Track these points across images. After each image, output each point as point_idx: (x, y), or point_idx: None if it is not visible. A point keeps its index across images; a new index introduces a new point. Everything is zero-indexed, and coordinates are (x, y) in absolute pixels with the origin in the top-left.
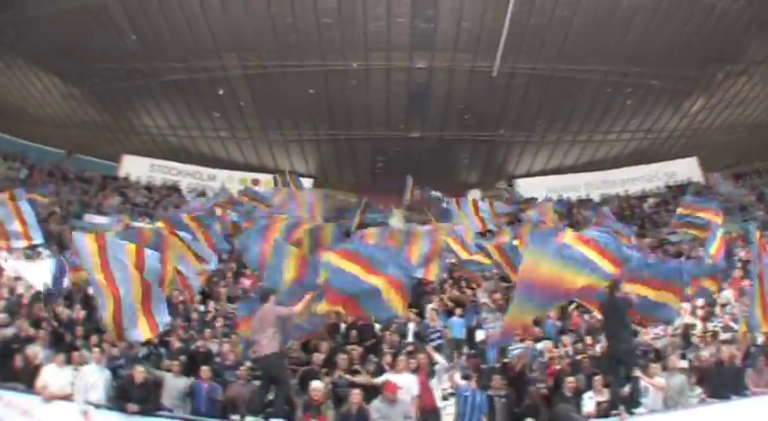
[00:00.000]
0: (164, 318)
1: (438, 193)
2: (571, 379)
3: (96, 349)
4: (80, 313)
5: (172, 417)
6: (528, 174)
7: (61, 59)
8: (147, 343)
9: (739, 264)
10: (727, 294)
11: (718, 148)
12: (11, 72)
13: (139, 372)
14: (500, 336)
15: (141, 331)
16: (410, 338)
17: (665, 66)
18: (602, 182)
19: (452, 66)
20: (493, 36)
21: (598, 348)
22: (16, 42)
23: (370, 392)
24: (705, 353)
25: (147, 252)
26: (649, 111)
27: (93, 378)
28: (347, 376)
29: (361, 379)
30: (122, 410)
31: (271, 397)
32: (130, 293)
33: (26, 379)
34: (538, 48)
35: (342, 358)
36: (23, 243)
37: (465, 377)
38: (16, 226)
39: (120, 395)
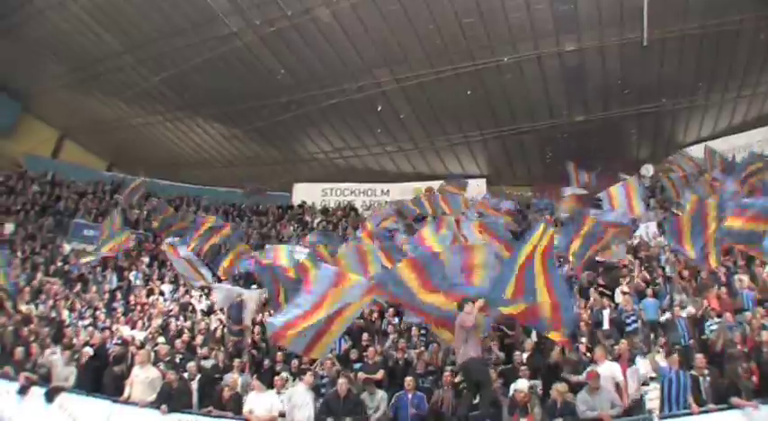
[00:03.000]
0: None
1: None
2: None
3: (309, 372)
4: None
5: None
6: (699, 140)
7: (217, 105)
8: (345, 359)
9: None
10: None
11: None
12: (173, 125)
13: (343, 384)
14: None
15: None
16: (606, 325)
17: None
18: None
19: (602, 43)
20: (635, 4)
21: None
22: (172, 97)
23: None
24: None
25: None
26: None
27: (302, 399)
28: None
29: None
30: None
31: (476, 401)
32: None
33: (233, 406)
34: (683, 7)
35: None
36: (201, 282)
37: (668, 354)
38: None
39: (326, 411)
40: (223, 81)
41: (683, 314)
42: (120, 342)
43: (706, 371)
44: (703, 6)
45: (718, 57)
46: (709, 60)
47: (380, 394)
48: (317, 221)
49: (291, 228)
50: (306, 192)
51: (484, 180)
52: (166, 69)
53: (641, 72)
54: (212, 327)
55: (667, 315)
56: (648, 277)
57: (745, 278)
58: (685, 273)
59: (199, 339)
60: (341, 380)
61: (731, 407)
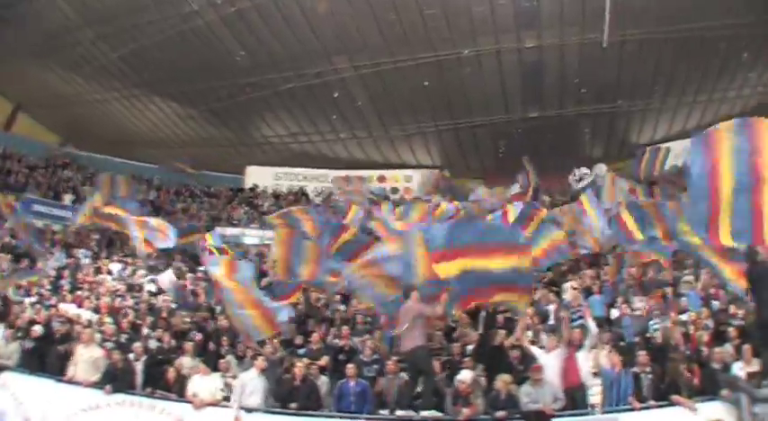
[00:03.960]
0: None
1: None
2: (718, 349)
3: (260, 357)
4: (224, 322)
5: (325, 416)
6: (652, 142)
7: (175, 84)
8: (289, 344)
9: None
10: None
11: None
12: (129, 102)
13: (300, 368)
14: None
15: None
16: (552, 320)
17: None
18: None
19: (561, 41)
20: (598, 6)
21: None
22: (130, 74)
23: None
24: None
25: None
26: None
27: (253, 384)
28: None
29: None
30: (281, 412)
31: (419, 389)
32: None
33: (177, 388)
34: (644, 11)
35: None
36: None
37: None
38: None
39: (281, 395)
40: (182, 60)
41: (631, 312)
42: (65, 320)
43: (648, 369)
44: (665, 12)
45: (677, 62)
46: (667, 65)
47: (323, 380)
48: (267, 205)
49: (242, 210)
50: (258, 176)
51: (437, 171)
52: (126, 45)
53: (599, 72)
54: (159, 308)
55: (615, 312)
56: (595, 274)
57: (691, 278)
58: (633, 271)
59: (146, 320)
60: (298, 365)
61: (671, 404)
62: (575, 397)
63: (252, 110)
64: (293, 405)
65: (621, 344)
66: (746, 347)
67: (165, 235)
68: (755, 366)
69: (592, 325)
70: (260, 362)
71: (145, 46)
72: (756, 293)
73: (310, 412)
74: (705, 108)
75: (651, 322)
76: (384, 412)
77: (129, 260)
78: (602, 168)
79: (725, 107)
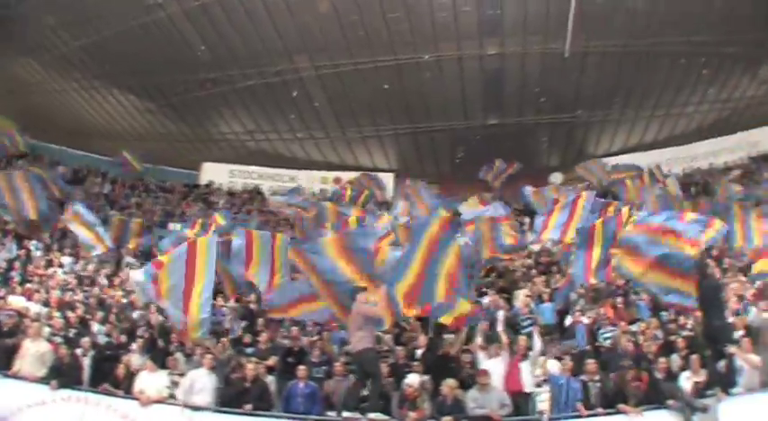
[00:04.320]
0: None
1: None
2: (663, 360)
3: (209, 355)
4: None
5: (273, 417)
6: (609, 154)
7: (135, 76)
8: (238, 343)
9: None
10: None
11: None
12: (87, 93)
13: (251, 369)
14: None
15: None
16: (500, 326)
17: (738, 32)
18: (684, 156)
19: (524, 50)
20: (561, 16)
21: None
22: (90, 64)
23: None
24: None
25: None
26: (726, 79)
27: (202, 382)
28: None
29: None
30: (229, 412)
31: (366, 392)
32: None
33: (126, 385)
34: (608, 24)
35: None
36: (100, 249)
37: (557, 358)
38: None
39: (233, 395)
40: (143, 52)
41: (584, 320)
42: (13, 313)
43: (596, 377)
44: (627, 25)
45: (637, 75)
46: (627, 77)
47: (270, 379)
48: (221, 202)
49: (197, 207)
50: (214, 172)
51: (392, 174)
52: (88, 35)
53: (560, 82)
54: (109, 303)
55: (569, 320)
56: (546, 282)
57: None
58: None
59: (96, 315)
60: (250, 366)
61: (618, 412)
62: (519, 404)
63: (210, 106)
64: (248, 406)
65: (573, 351)
66: (694, 358)
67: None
68: (702, 376)
69: (536, 336)
70: (208, 359)
71: (106, 36)
72: (705, 306)
73: (259, 412)
74: (663, 122)
75: (601, 331)
76: (332, 414)
77: (82, 253)
78: (557, 177)
79: (683, 122)
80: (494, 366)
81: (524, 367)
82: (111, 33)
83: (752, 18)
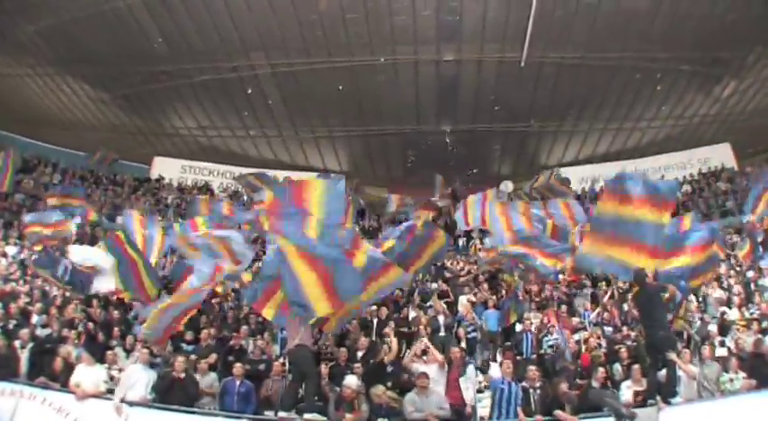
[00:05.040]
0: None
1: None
2: (601, 370)
3: (145, 350)
4: (114, 314)
5: (208, 414)
6: (560, 164)
7: (90, 65)
8: (180, 340)
9: None
10: (766, 282)
11: (751, 133)
12: (41, 80)
13: (180, 363)
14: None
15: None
16: (443, 332)
17: (694, 50)
18: (635, 170)
19: (480, 57)
20: (519, 26)
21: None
22: (45, 50)
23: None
24: (747, 340)
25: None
26: (680, 96)
27: (137, 377)
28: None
29: None
30: (163, 408)
31: (302, 392)
32: None
33: (64, 378)
34: (565, 36)
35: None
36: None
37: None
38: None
39: (161, 389)
40: (99, 41)
41: (533, 328)
42: None
43: (537, 384)
44: (585, 38)
45: (593, 88)
46: (582, 89)
47: (212, 376)
48: (171, 198)
49: (146, 202)
50: (165, 167)
51: (343, 176)
52: (44, 19)
53: (515, 91)
54: (52, 294)
55: (519, 327)
56: (492, 288)
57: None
58: (534, 288)
59: (37, 306)
60: (179, 360)
61: (555, 419)
62: (459, 413)
63: (164, 99)
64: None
65: (518, 358)
66: (636, 367)
67: None
68: (643, 385)
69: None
70: (143, 354)
71: (63, 22)
72: (645, 315)
73: (193, 409)
74: (615, 135)
75: (545, 339)
76: (269, 413)
77: (27, 243)
78: (508, 185)
79: (635, 135)
80: (431, 371)
81: (469, 371)
82: (67, 19)
83: (709, 37)
